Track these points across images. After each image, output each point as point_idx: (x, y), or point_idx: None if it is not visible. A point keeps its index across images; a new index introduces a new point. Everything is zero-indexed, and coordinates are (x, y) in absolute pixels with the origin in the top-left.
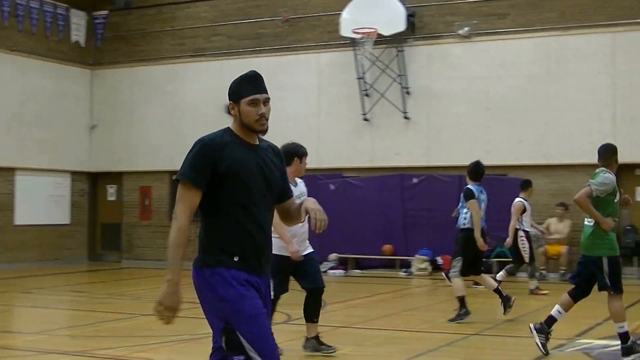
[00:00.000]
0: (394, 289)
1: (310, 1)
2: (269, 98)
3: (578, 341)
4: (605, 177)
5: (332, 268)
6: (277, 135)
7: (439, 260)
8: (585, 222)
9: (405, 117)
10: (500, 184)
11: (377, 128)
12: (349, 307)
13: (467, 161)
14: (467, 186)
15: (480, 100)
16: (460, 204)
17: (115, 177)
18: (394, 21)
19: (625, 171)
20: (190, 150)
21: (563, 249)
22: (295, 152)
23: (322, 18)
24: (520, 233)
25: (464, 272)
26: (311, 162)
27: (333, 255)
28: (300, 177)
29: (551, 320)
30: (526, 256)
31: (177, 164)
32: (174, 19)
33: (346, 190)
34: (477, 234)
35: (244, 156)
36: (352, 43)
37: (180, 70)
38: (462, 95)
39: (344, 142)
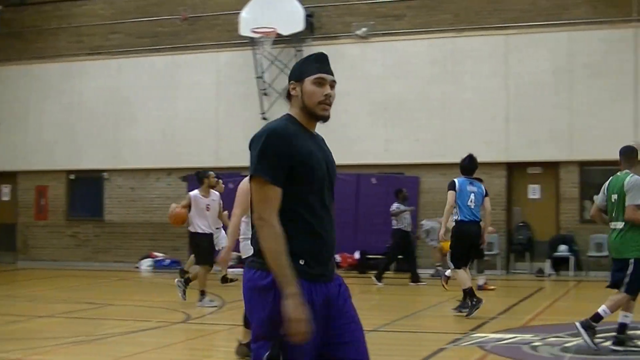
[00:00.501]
0: None
1: (209, 0)
2: (335, 82)
3: (473, 335)
4: (636, 179)
5: (231, 267)
6: (174, 135)
7: (337, 258)
8: (617, 227)
9: None
10: (397, 182)
11: None
12: None
13: (365, 160)
14: (453, 179)
15: (378, 100)
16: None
17: (10, 176)
18: (293, 21)
19: (517, 170)
20: (260, 142)
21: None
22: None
23: (221, 17)
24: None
25: (457, 264)
26: (210, 161)
27: (233, 254)
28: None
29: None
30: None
31: (73, 163)
32: (71, 16)
33: None
34: (444, 223)
35: (312, 147)
36: (251, 42)
37: (77, 69)
38: (360, 95)
39: (243, 141)
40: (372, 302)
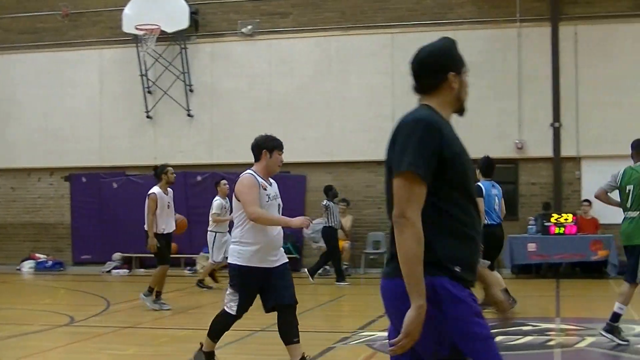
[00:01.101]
0: (180, 287)
1: None
2: None
3: (361, 334)
4: None
5: (116, 267)
6: (57, 134)
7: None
8: (631, 215)
9: (189, 115)
10: (283, 180)
11: (160, 125)
12: (134, 307)
13: (250, 159)
14: (477, 183)
15: (263, 97)
16: None
17: None
18: (177, 18)
19: None
20: (414, 133)
21: (346, 244)
22: (264, 145)
23: (103, 13)
24: None
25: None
26: (93, 160)
27: (117, 255)
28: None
29: (616, 316)
30: None
31: None
32: None
33: (129, 189)
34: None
35: (459, 140)
36: (135, 39)
37: None
38: (245, 93)
39: (127, 139)
40: (258, 301)
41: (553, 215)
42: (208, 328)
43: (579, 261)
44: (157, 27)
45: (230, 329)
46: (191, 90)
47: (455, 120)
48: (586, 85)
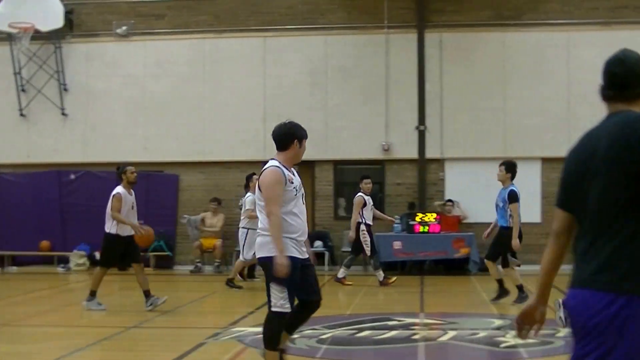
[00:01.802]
0: (52, 284)
1: None
2: None
3: (232, 329)
4: None
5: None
6: None
7: (97, 255)
8: None
9: (63, 114)
10: (157, 179)
11: (34, 124)
12: (6, 304)
13: (124, 158)
14: (512, 188)
15: (137, 98)
16: (498, 201)
17: None
18: (52, 17)
19: (304, 167)
20: None
21: (217, 242)
22: (295, 133)
23: None
24: (362, 227)
25: (505, 264)
26: None
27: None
28: None
29: None
30: (367, 249)
31: None
32: None
33: (1, 187)
34: (515, 234)
35: None
36: (9, 38)
37: None
38: (120, 93)
39: (0, 138)
40: (133, 298)
41: (418, 214)
42: (264, 342)
43: (442, 258)
44: (31, 25)
45: (103, 326)
46: (65, 90)
47: (323, 121)
48: (450, 90)
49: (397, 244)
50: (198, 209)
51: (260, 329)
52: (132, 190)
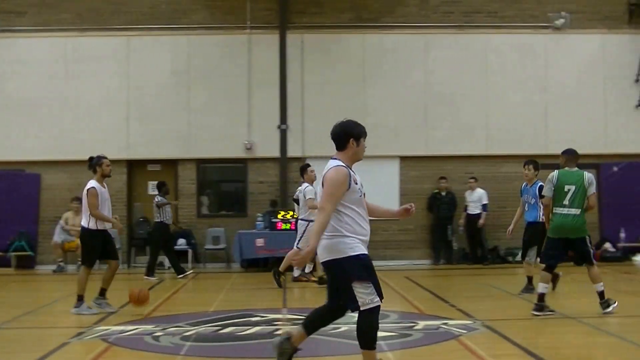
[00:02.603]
0: None
1: None
2: None
3: (96, 328)
4: (591, 175)
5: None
6: None
7: None
8: (573, 212)
9: None
10: (18, 178)
11: None
12: None
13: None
14: (541, 184)
15: None
16: (528, 198)
17: None
18: None
19: (138, 167)
20: None
21: (79, 241)
22: (352, 132)
23: None
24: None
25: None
26: None
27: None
28: None
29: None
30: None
31: None
32: None
33: None
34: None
35: None
36: None
37: None
38: None
39: None
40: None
41: (280, 212)
42: (363, 343)
43: None
44: None
45: None
46: None
47: (186, 121)
48: (311, 90)
49: (259, 242)
50: (61, 208)
51: (124, 327)
52: (105, 184)
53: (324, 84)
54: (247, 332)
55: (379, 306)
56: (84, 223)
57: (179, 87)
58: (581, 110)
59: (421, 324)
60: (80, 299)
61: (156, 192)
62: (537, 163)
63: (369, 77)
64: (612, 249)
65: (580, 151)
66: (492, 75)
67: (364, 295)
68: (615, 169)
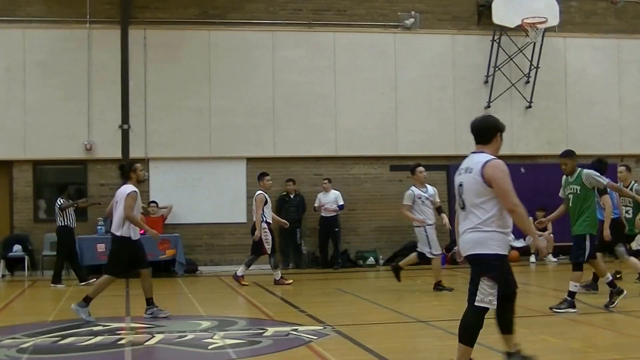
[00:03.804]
0: None
1: None
2: None
3: None
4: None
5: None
6: None
7: None
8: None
9: None
10: None
11: None
12: None
13: None
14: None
15: None
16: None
17: None
18: None
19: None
20: None
21: None
22: (499, 126)
23: None
24: (263, 225)
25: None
26: None
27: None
28: None
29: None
30: (268, 248)
31: None
32: None
33: None
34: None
35: None
36: None
37: None
38: None
39: None
40: None
41: None
42: (462, 336)
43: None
44: None
45: None
46: None
47: (21, 119)
48: (155, 88)
49: (100, 247)
50: None
51: None
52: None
53: (168, 82)
54: (89, 342)
55: (488, 309)
56: (116, 230)
57: (13, 84)
58: (431, 111)
59: (270, 330)
60: (87, 300)
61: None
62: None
63: (215, 75)
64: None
65: (430, 153)
66: (341, 75)
67: (485, 293)
68: (522, 170)
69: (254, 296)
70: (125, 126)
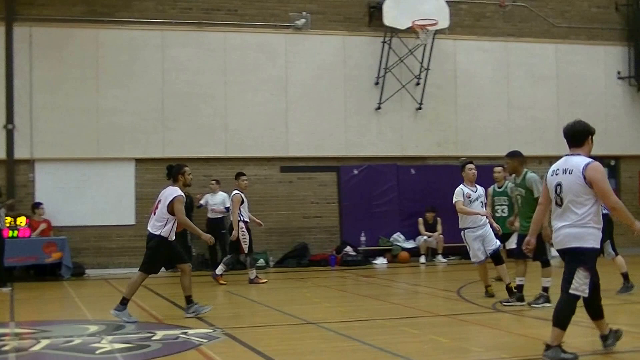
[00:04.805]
0: None
1: None
2: None
3: None
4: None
5: None
6: None
7: None
8: None
9: None
10: None
11: None
12: None
13: None
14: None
15: None
16: None
17: None
18: None
19: None
20: None
21: None
22: (590, 130)
23: None
24: (240, 224)
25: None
26: None
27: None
28: None
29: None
30: (245, 247)
31: None
32: None
33: None
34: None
35: None
36: None
37: None
38: None
39: None
40: None
41: (7, 217)
42: (557, 321)
43: (33, 264)
44: None
45: None
46: None
47: None
48: (41, 87)
49: None
50: None
51: None
52: None
53: (55, 81)
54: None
55: (580, 297)
56: (158, 231)
57: None
58: (322, 112)
59: (160, 334)
60: (124, 303)
61: None
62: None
63: (103, 74)
64: (353, 253)
65: (320, 154)
66: (231, 75)
67: (580, 282)
68: (355, 172)
69: (143, 300)
70: (10, 126)
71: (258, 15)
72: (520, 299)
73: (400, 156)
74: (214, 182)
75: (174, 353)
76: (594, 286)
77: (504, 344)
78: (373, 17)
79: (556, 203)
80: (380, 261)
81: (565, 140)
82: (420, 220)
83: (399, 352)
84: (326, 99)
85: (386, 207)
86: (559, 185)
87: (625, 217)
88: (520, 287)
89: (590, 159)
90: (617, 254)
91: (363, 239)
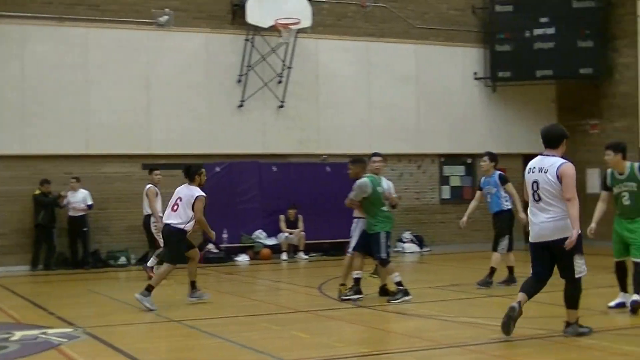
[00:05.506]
0: None
1: None
2: None
3: None
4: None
5: None
6: None
7: None
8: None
9: None
10: None
11: None
12: None
13: None
14: (500, 172)
15: None
16: (489, 189)
17: None
18: None
19: None
20: None
21: None
22: (565, 134)
23: None
24: (152, 219)
25: (510, 248)
26: None
27: None
28: None
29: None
30: (161, 241)
31: None
32: None
33: None
34: (520, 208)
35: None
36: None
37: None
38: None
39: None
40: None
41: None
42: (570, 303)
43: None
44: None
45: None
46: None
47: None
48: None
49: None
50: None
51: None
52: None
53: None
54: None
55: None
56: (180, 225)
57: None
58: (186, 110)
59: (18, 334)
60: (150, 289)
61: None
62: (494, 154)
63: None
64: (215, 250)
65: (185, 151)
66: (93, 71)
67: (580, 265)
68: (217, 169)
69: (0, 299)
70: None
71: (120, 11)
72: (358, 291)
73: (262, 154)
74: (74, 179)
75: (33, 354)
76: (543, 279)
77: (365, 339)
78: (236, 15)
79: (534, 198)
80: (243, 258)
81: (423, 139)
82: (282, 217)
83: (262, 348)
84: (189, 96)
85: (248, 204)
86: (535, 182)
87: (574, 212)
88: (357, 280)
89: (564, 160)
90: (510, 250)
91: (225, 236)
